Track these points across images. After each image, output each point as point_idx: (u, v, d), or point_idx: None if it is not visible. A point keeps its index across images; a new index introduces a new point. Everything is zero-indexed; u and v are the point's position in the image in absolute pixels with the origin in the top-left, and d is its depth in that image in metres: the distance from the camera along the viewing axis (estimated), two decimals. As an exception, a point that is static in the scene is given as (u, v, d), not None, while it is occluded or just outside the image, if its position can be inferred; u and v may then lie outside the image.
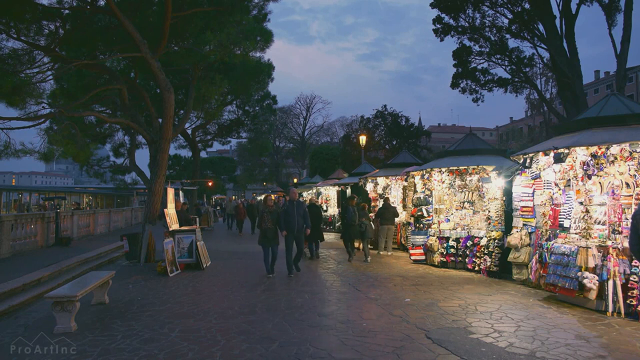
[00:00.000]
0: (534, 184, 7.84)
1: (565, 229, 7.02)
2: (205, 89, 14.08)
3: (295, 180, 43.03)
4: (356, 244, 13.78)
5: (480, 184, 10.05)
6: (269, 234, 9.11)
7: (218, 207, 29.06)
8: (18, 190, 44.64)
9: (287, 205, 9.28)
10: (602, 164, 6.48)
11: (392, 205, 13.42)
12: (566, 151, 6.80)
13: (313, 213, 11.19)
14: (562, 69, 18.55)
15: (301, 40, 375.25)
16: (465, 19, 22.50)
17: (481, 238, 9.61)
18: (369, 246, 12.11)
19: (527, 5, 20.77)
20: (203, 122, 24.62)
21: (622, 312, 5.94)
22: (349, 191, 18.59)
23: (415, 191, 12.24)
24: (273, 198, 9.12)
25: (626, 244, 5.63)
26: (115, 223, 21.58)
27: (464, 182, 10.63)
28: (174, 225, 11.07)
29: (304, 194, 29.25)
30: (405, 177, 12.45)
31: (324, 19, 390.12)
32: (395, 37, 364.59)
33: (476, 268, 9.49)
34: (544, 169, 7.54)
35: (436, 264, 10.43)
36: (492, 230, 9.53)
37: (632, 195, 6.17)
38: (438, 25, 23.13)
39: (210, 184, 36.15)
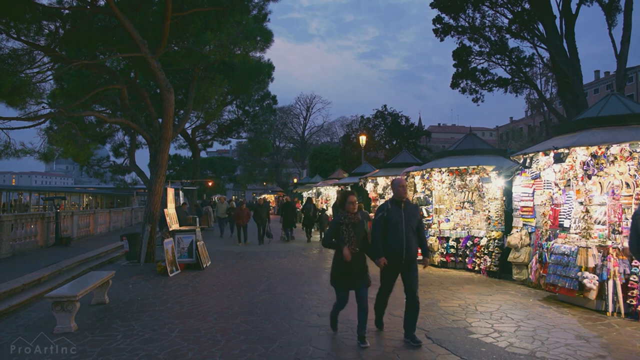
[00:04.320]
0: (534, 184, 7.84)
1: (565, 229, 7.02)
2: (205, 89, 14.07)
3: (295, 180, 43.01)
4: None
5: (480, 184, 10.05)
6: (354, 267, 4.89)
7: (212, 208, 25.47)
8: (18, 190, 44.65)
9: (390, 209, 5.08)
10: (602, 164, 6.48)
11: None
12: (566, 151, 6.80)
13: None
14: (562, 69, 18.54)
15: (300, 38, 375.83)
16: (465, 19, 22.50)
17: (481, 238, 9.61)
18: None
19: (527, 5, 20.76)
20: (203, 122, 24.61)
21: (622, 312, 5.94)
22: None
23: (415, 191, 12.24)
24: (354, 200, 5.13)
25: (626, 244, 5.63)
26: (115, 223, 21.59)
27: (464, 182, 10.63)
28: (174, 225, 11.08)
29: (304, 194, 29.32)
30: (405, 177, 12.45)
31: (324, 16, 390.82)
32: (396, 35, 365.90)
33: (476, 268, 9.48)
34: (544, 169, 7.55)
35: (436, 264, 10.43)
36: (492, 230, 9.53)
37: (632, 195, 6.17)
38: (438, 25, 23.13)
39: (210, 184, 36.15)
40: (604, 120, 6.85)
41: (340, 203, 5.22)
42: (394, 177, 5.68)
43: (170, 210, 11.25)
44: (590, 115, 7.23)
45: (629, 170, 6.25)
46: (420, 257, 5.23)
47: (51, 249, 13.23)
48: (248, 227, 16.12)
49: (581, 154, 6.81)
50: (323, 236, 5.25)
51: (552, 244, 7.06)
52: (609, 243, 6.27)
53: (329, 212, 21.87)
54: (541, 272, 7.20)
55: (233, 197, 55.48)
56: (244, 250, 14.04)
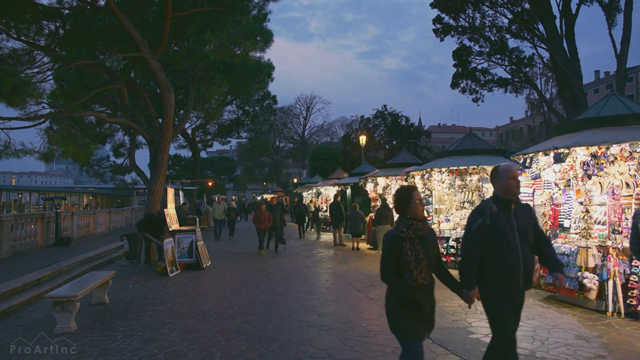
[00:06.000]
0: (534, 184, 7.84)
1: (565, 229, 7.02)
2: (205, 89, 14.09)
3: (295, 180, 43.01)
4: (355, 244, 13.86)
5: (480, 184, 10.05)
6: (424, 301, 3.07)
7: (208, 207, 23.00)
8: (18, 190, 44.66)
9: (496, 213, 3.24)
10: (602, 164, 6.48)
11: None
12: (566, 151, 6.80)
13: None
14: (562, 69, 18.54)
15: (300, 37, 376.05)
16: (465, 19, 22.51)
17: (481, 238, 9.60)
18: (361, 243, 14.44)
19: (527, 5, 20.77)
20: (203, 122, 24.64)
21: (622, 312, 5.94)
22: (349, 191, 18.64)
23: (415, 191, 12.22)
24: (422, 199, 3.26)
25: (626, 244, 5.63)
26: (115, 223, 21.58)
27: (464, 182, 10.63)
28: (174, 225, 11.08)
29: (304, 194, 29.33)
30: (405, 177, 12.46)
31: (323, 15, 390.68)
32: (396, 34, 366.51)
33: (476, 268, 9.47)
34: (544, 169, 7.55)
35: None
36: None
37: (632, 195, 6.17)
38: (438, 25, 23.14)
39: (210, 184, 36.16)
40: (604, 120, 6.85)
41: (399, 204, 3.22)
42: (498, 164, 3.58)
43: (170, 210, 11.25)
44: (590, 115, 7.23)
45: (629, 170, 6.25)
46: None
47: (51, 249, 13.23)
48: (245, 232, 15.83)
49: (581, 154, 6.81)
50: (380, 265, 3.14)
51: (552, 244, 7.05)
52: (609, 243, 6.27)
53: (328, 212, 21.93)
54: (541, 272, 7.20)
55: (233, 197, 55.43)
56: (244, 250, 14.03)
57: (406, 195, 3.18)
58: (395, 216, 12.85)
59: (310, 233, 19.81)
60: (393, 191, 14.54)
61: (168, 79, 11.66)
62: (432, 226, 10.72)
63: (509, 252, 3.17)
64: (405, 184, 13.17)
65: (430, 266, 3.10)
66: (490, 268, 3.20)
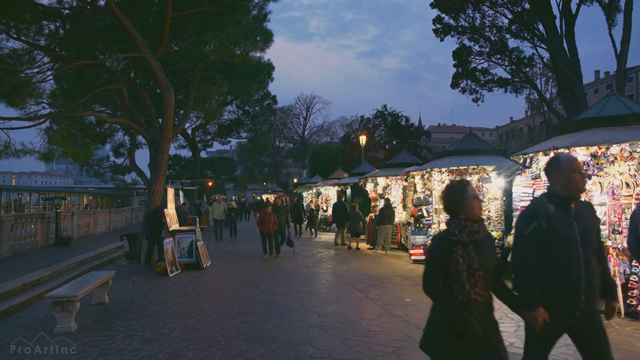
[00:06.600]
0: (534, 184, 7.83)
1: (565, 229, 7.01)
2: (205, 89, 14.08)
3: (295, 180, 43.01)
4: (353, 244, 13.89)
5: (480, 184, 10.05)
6: (476, 323, 2.66)
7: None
8: (18, 190, 44.66)
9: (553, 214, 2.67)
10: (602, 164, 6.47)
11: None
12: (566, 151, 6.80)
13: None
14: (562, 69, 18.54)
15: (300, 37, 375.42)
16: (465, 19, 22.52)
17: (481, 238, 9.61)
18: (361, 243, 14.44)
19: (527, 5, 20.78)
20: (203, 122, 24.63)
21: (622, 312, 5.94)
22: (349, 191, 18.65)
23: (415, 191, 12.23)
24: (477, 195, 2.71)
25: (626, 244, 5.63)
26: (115, 223, 21.59)
27: (464, 182, 10.62)
28: (174, 225, 11.08)
29: (304, 194, 29.35)
30: (405, 177, 12.46)
31: (323, 15, 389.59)
32: (396, 34, 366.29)
33: (476, 268, 9.47)
34: (544, 169, 7.54)
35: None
36: (492, 230, 9.53)
37: (632, 195, 6.17)
38: (438, 25, 23.15)
39: (210, 184, 36.15)
40: (604, 120, 6.85)
41: (450, 202, 2.69)
42: (554, 153, 2.94)
43: (170, 210, 11.25)
44: (590, 115, 7.23)
45: (629, 170, 6.25)
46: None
47: (51, 249, 13.23)
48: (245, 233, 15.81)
49: (581, 154, 6.80)
50: (424, 274, 2.64)
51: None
52: (609, 243, 6.26)
53: (329, 212, 21.93)
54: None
55: (233, 197, 55.43)
56: (244, 250, 14.03)
57: (459, 192, 2.62)
58: (397, 216, 12.62)
59: (307, 233, 19.85)
60: (393, 191, 14.56)
61: (168, 79, 11.66)
62: (432, 226, 10.71)
63: (568, 261, 2.62)
64: (405, 183, 13.17)
65: (486, 278, 2.57)
66: (542, 281, 2.66)
